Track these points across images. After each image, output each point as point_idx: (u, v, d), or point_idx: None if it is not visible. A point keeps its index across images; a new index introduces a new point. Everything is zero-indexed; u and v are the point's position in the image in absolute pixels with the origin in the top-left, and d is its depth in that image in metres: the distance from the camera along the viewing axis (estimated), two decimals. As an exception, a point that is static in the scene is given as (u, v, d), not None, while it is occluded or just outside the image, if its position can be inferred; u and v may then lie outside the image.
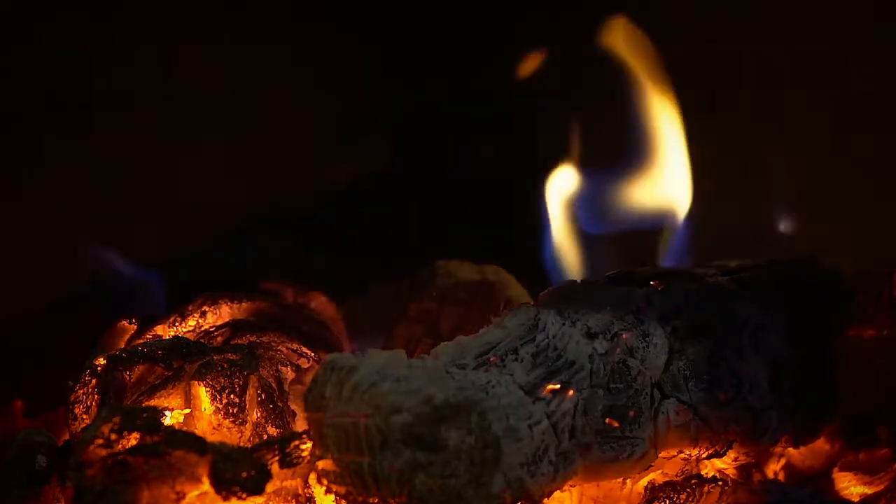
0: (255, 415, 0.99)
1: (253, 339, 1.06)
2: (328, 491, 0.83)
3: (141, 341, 1.07)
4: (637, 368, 0.90)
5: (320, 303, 1.18)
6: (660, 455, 0.92)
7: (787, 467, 1.10)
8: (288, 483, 0.91)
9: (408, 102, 1.71)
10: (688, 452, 0.94)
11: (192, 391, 0.98)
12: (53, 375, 1.09)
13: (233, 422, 0.98)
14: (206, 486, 0.84)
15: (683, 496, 0.96)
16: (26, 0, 1.40)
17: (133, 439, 0.84)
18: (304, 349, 1.07)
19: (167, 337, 1.07)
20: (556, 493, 0.91)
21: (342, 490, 0.82)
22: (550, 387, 0.87)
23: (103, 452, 0.83)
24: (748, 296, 0.96)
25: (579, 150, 1.34)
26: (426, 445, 0.79)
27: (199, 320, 1.09)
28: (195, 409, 0.97)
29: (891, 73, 1.45)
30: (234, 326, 1.09)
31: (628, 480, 0.98)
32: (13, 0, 1.39)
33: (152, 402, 0.97)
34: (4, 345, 1.44)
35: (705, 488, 0.96)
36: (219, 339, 1.07)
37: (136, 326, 1.11)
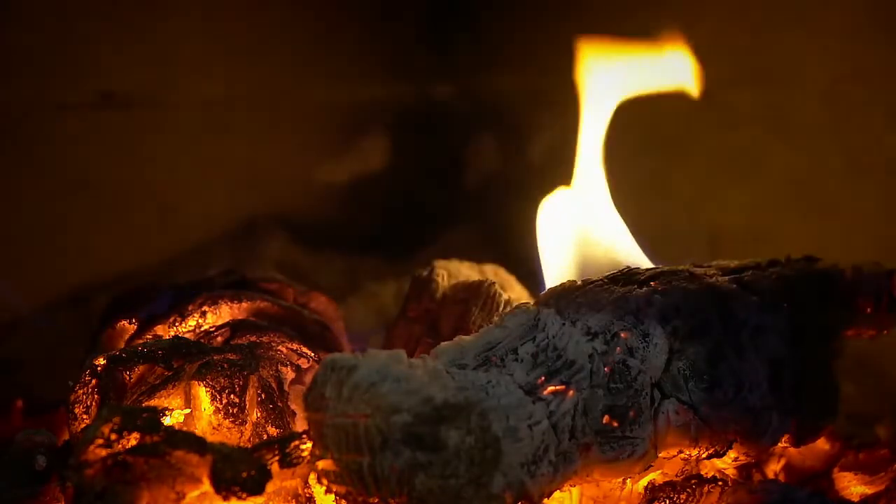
0: (255, 415, 0.99)
1: (253, 339, 1.06)
2: (328, 491, 0.84)
3: (141, 341, 1.07)
4: (637, 368, 0.90)
5: (320, 303, 1.18)
6: (660, 455, 0.92)
7: (787, 467, 1.10)
8: (288, 483, 0.91)
9: (408, 102, 1.72)
10: (688, 452, 0.94)
11: (192, 391, 0.98)
12: (53, 375, 1.09)
13: (233, 422, 0.98)
14: (206, 486, 0.84)
15: (683, 496, 0.96)
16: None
17: (133, 439, 0.84)
18: (304, 349, 1.07)
19: (167, 337, 1.07)
20: (556, 493, 0.91)
21: (342, 490, 0.82)
22: (551, 387, 0.87)
23: (103, 452, 0.83)
24: (748, 296, 0.96)
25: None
26: (426, 445, 0.79)
27: (199, 320, 1.09)
28: (195, 409, 0.97)
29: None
30: (234, 326, 1.09)
31: (628, 480, 0.97)
32: None
33: (152, 402, 0.97)
34: (4, 344, 1.44)
35: (705, 488, 0.96)
36: (219, 339, 1.07)
37: (136, 326, 1.10)
